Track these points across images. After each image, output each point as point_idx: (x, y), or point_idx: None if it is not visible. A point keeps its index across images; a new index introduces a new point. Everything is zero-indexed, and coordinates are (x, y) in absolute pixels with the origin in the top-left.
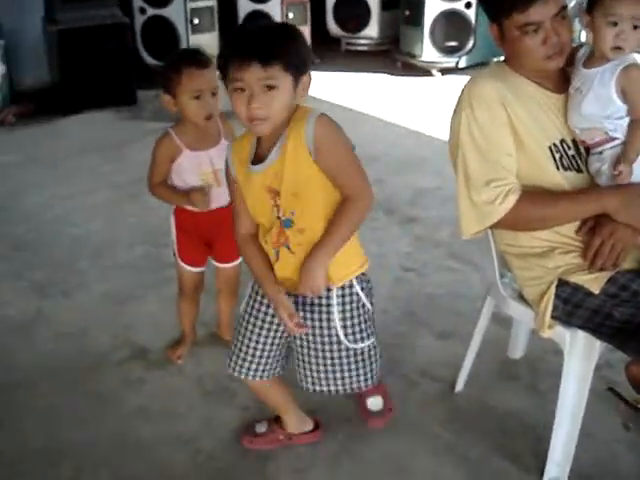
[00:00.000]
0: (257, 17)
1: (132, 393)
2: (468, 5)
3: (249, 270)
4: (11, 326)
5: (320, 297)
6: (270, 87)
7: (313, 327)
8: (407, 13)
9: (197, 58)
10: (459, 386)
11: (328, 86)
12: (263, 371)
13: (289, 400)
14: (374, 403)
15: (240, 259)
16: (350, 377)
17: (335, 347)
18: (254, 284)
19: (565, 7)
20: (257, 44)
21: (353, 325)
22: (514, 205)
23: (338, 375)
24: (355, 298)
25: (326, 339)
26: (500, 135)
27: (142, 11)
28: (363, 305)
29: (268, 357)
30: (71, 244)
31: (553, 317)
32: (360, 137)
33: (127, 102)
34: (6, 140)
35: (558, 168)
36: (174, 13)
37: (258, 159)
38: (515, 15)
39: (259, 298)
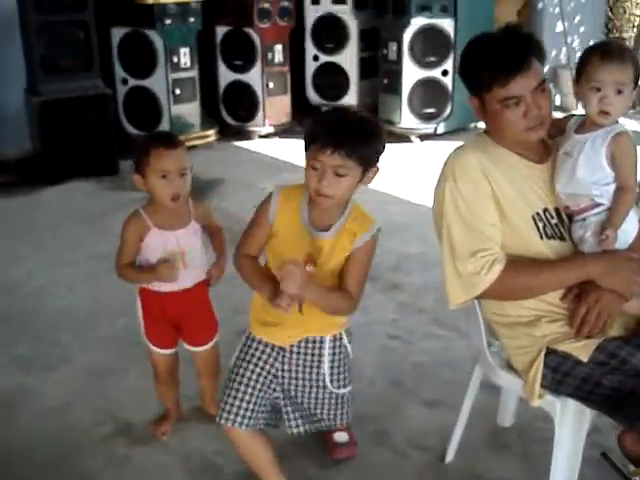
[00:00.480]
0: (240, 88)
1: (117, 471)
2: (445, 73)
3: (248, 283)
4: None
5: (314, 345)
6: (341, 175)
7: (304, 371)
8: (385, 81)
9: (166, 139)
10: (449, 456)
11: None
12: (250, 418)
13: (274, 464)
14: (340, 437)
15: (214, 340)
16: (329, 418)
17: (320, 391)
18: (248, 334)
19: (544, 80)
20: (345, 138)
21: (339, 373)
22: (499, 275)
23: (319, 416)
24: (343, 349)
25: (314, 383)
26: (483, 206)
27: (124, 82)
28: (348, 355)
29: (257, 404)
30: (54, 316)
31: (542, 386)
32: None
33: (109, 172)
34: None
35: (542, 237)
36: (156, 84)
37: (312, 224)
38: (496, 89)
39: (253, 346)
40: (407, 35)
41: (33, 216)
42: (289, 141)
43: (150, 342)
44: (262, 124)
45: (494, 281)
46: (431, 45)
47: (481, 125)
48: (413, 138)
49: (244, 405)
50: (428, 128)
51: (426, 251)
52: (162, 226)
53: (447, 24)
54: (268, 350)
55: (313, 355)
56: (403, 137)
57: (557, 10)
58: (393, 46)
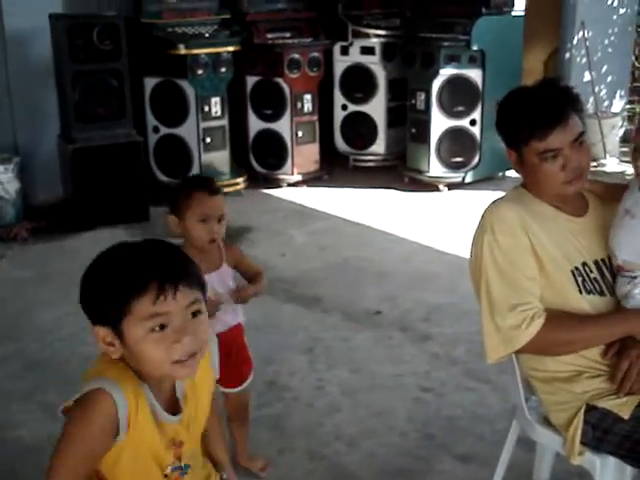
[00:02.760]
0: (269, 136)
1: None
2: (473, 122)
3: None
4: (23, 449)
5: None
6: (199, 312)
7: None
8: (413, 130)
9: (209, 184)
10: None
11: (337, 202)
12: None
13: None
14: None
15: (248, 381)
16: None
17: None
18: None
19: (583, 133)
20: (177, 264)
21: None
22: (540, 330)
23: None
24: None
25: None
26: (523, 260)
27: (156, 130)
28: None
29: None
30: (83, 363)
31: (582, 443)
32: (370, 252)
33: (139, 219)
34: (19, 255)
35: (581, 292)
36: (187, 132)
37: (166, 409)
38: (534, 143)
39: None
40: (435, 85)
41: (63, 262)
42: (317, 189)
43: (218, 383)
44: (291, 172)
45: (534, 336)
46: (459, 95)
47: (509, 174)
48: (441, 187)
49: None
50: (456, 177)
51: (456, 301)
52: None
53: (475, 74)
54: None
55: None
56: (431, 186)
57: (584, 60)
58: (421, 96)
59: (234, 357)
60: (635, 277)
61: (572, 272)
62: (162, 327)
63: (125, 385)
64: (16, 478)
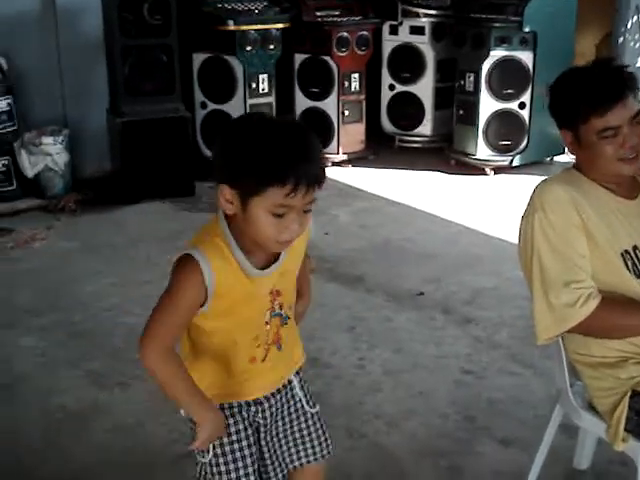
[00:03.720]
0: (315, 115)
1: None
2: (522, 105)
3: (168, 394)
4: (67, 416)
5: (285, 387)
6: (309, 210)
7: (282, 408)
8: (461, 112)
9: None
10: None
11: (382, 182)
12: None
13: None
14: None
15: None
16: (319, 443)
17: (302, 418)
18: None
19: (639, 111)
20: (316, 168)
21: (308, 391)
22: (594, 310)
23: (308, 445)
24: (303, 376)
25: (293, 415)
26: (575, 237)
27: (203, 105)
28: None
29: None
30: (127, 334)
31: (626, 430)
32: (415, 233)
33: (185, 194)
34: (66, 227)
35: (630, 275)
36: (234, 108)
37: (259, 263)
38: (593, 120)
39: (232, 425)
40: (485, 67)
41: (109, 234)
42: (362, 169)
43: None
44: (336, 151)
45: (588, 316)
46: (509, 77)
47: (557, 159)
48: (488, 170)
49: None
50: (503, 161)
51: (500, 285)
52: None
53: (526, 57)
54: (245, 408)
55: (286, 393)
56: (477, 169)
57: (638, 45)
58: (470, 77)
59: None
60: None
61: (622, 255)
62: (279, 215)
63: (214, 251)
64: (59, 444)
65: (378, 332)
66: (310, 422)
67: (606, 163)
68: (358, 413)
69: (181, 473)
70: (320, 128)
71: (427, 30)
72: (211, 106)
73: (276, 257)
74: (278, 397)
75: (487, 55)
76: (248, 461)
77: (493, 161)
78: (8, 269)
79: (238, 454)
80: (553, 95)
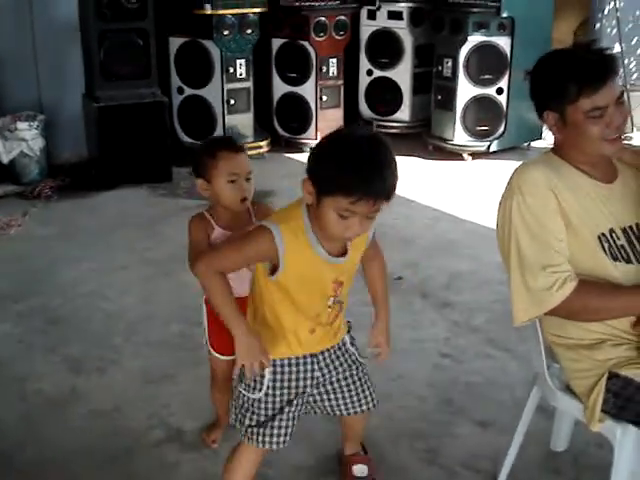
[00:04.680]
0: (293, 100)
1: (167, 477)
2: (500, 91)
3: (215, 304)
4: (44, 401)
5: (339, 344)
6: (373, 217)
7: (338, 359)
8: (439, 97)
9: (232, 143)
10: (501, 479)
11: None
12: (287, 435)
13: None
14: (360, 470)
15: None
16: (370, 393)
17: (355, 368)
18: (273, 368)
19: (623, 92)
20: (387, 185)
21: (355, 343)
22: (571, 294)
23: (362, 394)
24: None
25: (350, 363)
26: (552, 221)
27: (180, 91)
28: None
29: (293, 421)
30: (105, 319)
31: (603, 411)
32: (392, 218)
33: (162, 179)
34: (42, 213)
35: (607, 258)
36: (211, 93)
37: (329, 252)
38: (582, 100)
39: (285, 372)
40: (463, 52)
41: (86, 220)
42: None
43: (212, 348)
44: (314, 137)
45: (565, 299)
46: (487, 63)
47: (534, 145)
48: (465, 156)
49: (278, 428)
50: (481, 146)
51: (477, 269)
52: (226, 227)
53: (504, 42)
54: (302, 361)
55: (339, 348)
56: (455, 154)
57: (614, 31)
58: (448, 63)
59: None
60: None
61: (599, 238)
62: (344, 217)
63: (289, 229)
64: (37, 430)
65: (356, 316)
66: (362, 373)
67: (591, 143)
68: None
69: (160, 457)
70: (298, 113)
71: (405, 15)
72: (188, 91)
73: (344, 252)
74: (332, 350)
75: (465, 40)
76: (287, 407)
77: (471, 146)
78: None
79: (285, 398)
80: (535, 77)
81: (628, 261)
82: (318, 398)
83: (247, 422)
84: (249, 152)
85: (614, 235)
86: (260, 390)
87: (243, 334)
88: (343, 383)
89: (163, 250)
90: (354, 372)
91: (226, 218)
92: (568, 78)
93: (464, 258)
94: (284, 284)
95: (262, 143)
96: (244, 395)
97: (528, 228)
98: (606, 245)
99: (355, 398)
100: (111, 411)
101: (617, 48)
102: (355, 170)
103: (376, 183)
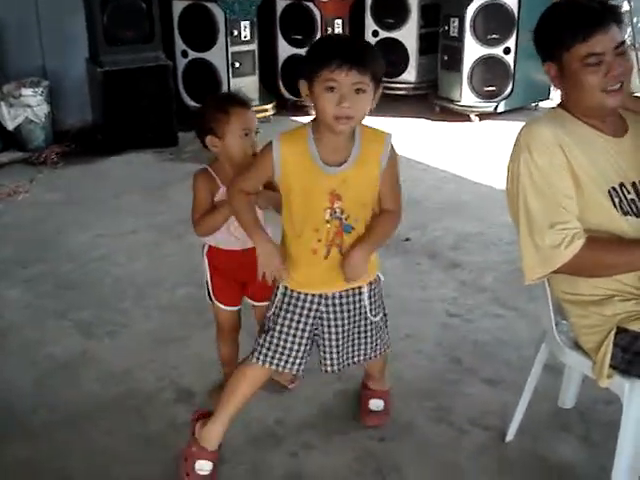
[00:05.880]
0: (299, 62)
1: (178, 437)
2: (507, 51)
3: (238, 218)
4: (56, 365)
5: (354, 291)
6: (361, 91)
7: (348, 310)
8: (445, 58)
9: (242, 99)
10: (510, 436)
11: None
12: (287, 362)
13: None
14: (376, 404)
15: None
16: (372, 346)
17: (362, 322)
18: (285, 289)
19: (623, 42)
20: (357, 53)
21: (375, 303)
22: (579, 250)
23: (362, 347)
24: (379, 285)
25: (357, 318)
26: (560, 178)
27: (184, 54)
28: (381, 287)
29: (304, 351)
30: (115, 284)
31: (611, 366)
32: (400, 181)
33: (168, 144)
34: (49, 179)
35: (617, 212)
36: (215, 57)
37: (326, 161)
38: (577, 46)
39: (293, 300)
40: (470, 11)
41: (93, 185)
42: None
43: (216, 300)
44: None
45: (574, 256)
46: (494, 22)
47: (542, 105)
48: (473, 117)
49: (281, 350)
50: (488, 107)
51: (485, 231)
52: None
53: (511, 1)
54: (310, 298)
55: (354, 295)
56: (462, 115)
57: None
58: (454, 22)
59: None
60: None
61: (609, 192)
62: (331, 89)
63: (290, 139)
64: (49, 392)
65: None
66: (369, 327)
67: (590, 94)
68: None
69: (172, 418)
70: None
71: None
72: (192, 54)
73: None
74: (345, 297)
75: (471, 0)
76: (292, 332)
77: (478, 107)
78: None
79: (294, 324)
80: (538, 28)
81: (638, 215)
82: (319, 342)
83: (259, 340)
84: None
85: (624, 189)
86: (271, 308)
87: (262, 241)
88: (341, 336)
89: (170, 214)
90: (358, 324)
91: (228, 176)
92: (564, 24)
93: (472, 219)
94: (285, 194)
95: (268, 106)
96: (267, 317)
97: (536, 186)
98: (616, 199)
99: (354, 349)
100: (122, 374)
101: (626, 6)
102: (332, 45)
103: (349, 51)
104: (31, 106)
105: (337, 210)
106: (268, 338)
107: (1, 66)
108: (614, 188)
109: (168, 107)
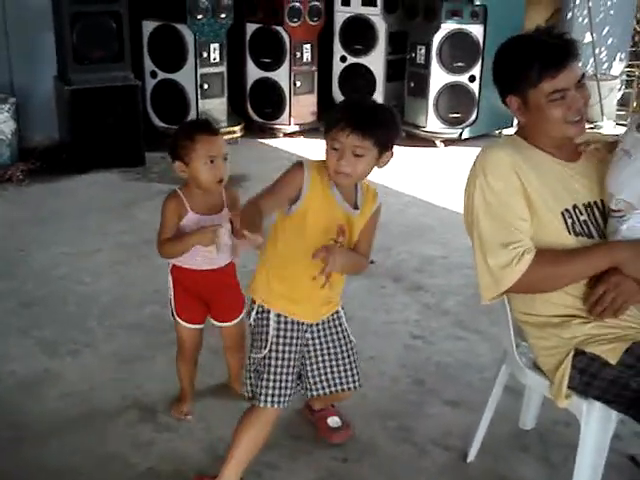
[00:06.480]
0: (267, 85)
1: (142, 456)
2: (472, 78)
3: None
4: (18, 383)
5: (333, 316)
6: (359, 155)
7: (331, 331)
8: (412, 85)
9: (210, 126)
10: (471, 456)
11: None
12: (289, 396)
13: None
14: (334, 421)
15: (241, 316)
16: (357, 373)
17: (345, 347)
18: (278, 318)
19: (584, 75)
20: (361, 119)
21: (348, 326)
22: (530, 265)
23: (348, 374)
24: (344, 311)
25: (341, 342)
26: (514, 201)
27: (153, 75)
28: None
29: (293, 380)
30: (79, 302)
31: (570, 387)
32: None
33: (135, 163)
34: (14, 197)
35: (569, 233)
36: (184, 78)
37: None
38: (544, 83)
39: (283, 326)
40: (436, 39)
41: (59, 204)
42: (314, 140)
43: (180, 317)
44: (288, 122)
45: (524, 272)
46: (460, 50)
47: (506, 132)
48: (438, 143)
49: (285, 385)
50: (453, 133)
51: (449, 254)
52: (198, 211)
53: (477, 30)
54: (296, 326)
55: (334, 320)
56: (427, 141)
57: (586, 21)
58: (421, 50)
59: (226, 294)
60: (624, 217)
61: (562, 214)
62: (335, 149)
63: (317, 169)
64: (10, 411)
65: None
66: (351, 352)
67: (554, 126)
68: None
69: (135, 438)
70: (271, 99)
71: (379, 2)
72: (161, 75)
73: (355, 207)
74: (327, 321)
75: (438, 28)
76: (292, 363)
77: (443, 133)
78: None
79: (287, 355)
80: (497, 62)
81: (590, 236)
82: (308, 368)
83: (259, 383)
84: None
85: (577, 211)
86: (265, 347)
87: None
88: (332, 357)
89: (136, 234)
90: (343, 348)
91: (200, 202)
92: (529, 62)
93: (436, 243)
94: (300, 214)
95: (236, 128)
96: (253, 358)
97: (489, 208)
98: (569, 221)
99: (343, 374)
100: (85, 392)
101: (588, 38)
102: (346, 107)
103: (355, 116)
104: None
105: (339, 244)
106: (268, 376)
107: None
108: (567, 210)
109: (136, 127)
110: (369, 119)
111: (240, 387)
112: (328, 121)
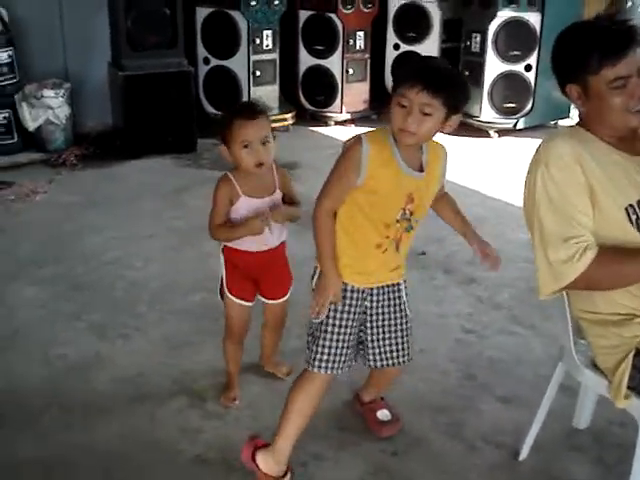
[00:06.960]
0: (319, 73)
1: (189, 443)
2: (528, 68)
3: (318, 243)
4: (68, 366)
5: (393, 288)
6: (427, 113)
7: (389, 302)
8: (466, 73)
9: (247, 110)
10: (523, 454)
11: None
12: (344, 362)
13: None
14: (383, 414)
15: (287, 295)
16: (408, 347)
17: (401, 320)
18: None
19: None
20: (433, 77)
21: (408, 301)
22: (591, 262)
23: (401, 348)
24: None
25: (398, 314)
26: (576, 193)
27: (206, 61)
28: None
29: (350, 347)
30: (129, 287)
31: (629, 387)
32: None
33: (186, 150)
34: (67, 180)
35: (634, 229)
36: (237, 65)
37: (408, 165)
38: (605, 70)
39: (348, 292)
40: (492, 27)
41: (111, 189)
42: (365, 129)
43: (232, 294)
44: (339, 110)
45: (586, 269)
46: (516, 39)
47: (561, 123)
48: (492, 133)
49: (339, 352)
50: (507, 123)
51: (503, 247)
52: (250, 194)
53: (534, 18)
54: (356, 294)
55: (394, 291)
56: (481, 131)
57: None
58: (477, 38)
59: (275, 272)
60: None
61: (626, 209)
62: (403, 106)
63: (377, 142)
64: (62, 392)
65: None
66: (406, 326)
67: (616, 115)
68: (361, 369)
69: (184, 422)
70: (323, 86)
71: None
72: (214, 62)
73: (421, 170)
74: (386, 290)
75: (494, 15)
76: (348, 331)
77: (497, 123)
78: (9, 222)
79: (344, 322)
80: (557, 50)
81: None
82: (368, 338)
83: (314, 348)
84: (274, 125)
85: None
86: (323, 312)
87: (334, 276)
88: (386, 329)
89: (187, 220)
90: (399, 321)
91: (251, 185)
92: (590, 48)
93: (489, 235)
94: (367, 187)
95: (287, 116)
96: (312, 323)
97: (551, 201)
98: (633, 217)
99: (394, 348)
100: (134, 377)
101: None
102: (417, 65)
103: (427, 73)
104: (52, 107)
105: (407, 211)
106: (324, 342)
107: (24, 67)
108: (632, 205)
109: (188, 113)
110: (441, 78)
111: (271, 367)
112: (398, 78)
